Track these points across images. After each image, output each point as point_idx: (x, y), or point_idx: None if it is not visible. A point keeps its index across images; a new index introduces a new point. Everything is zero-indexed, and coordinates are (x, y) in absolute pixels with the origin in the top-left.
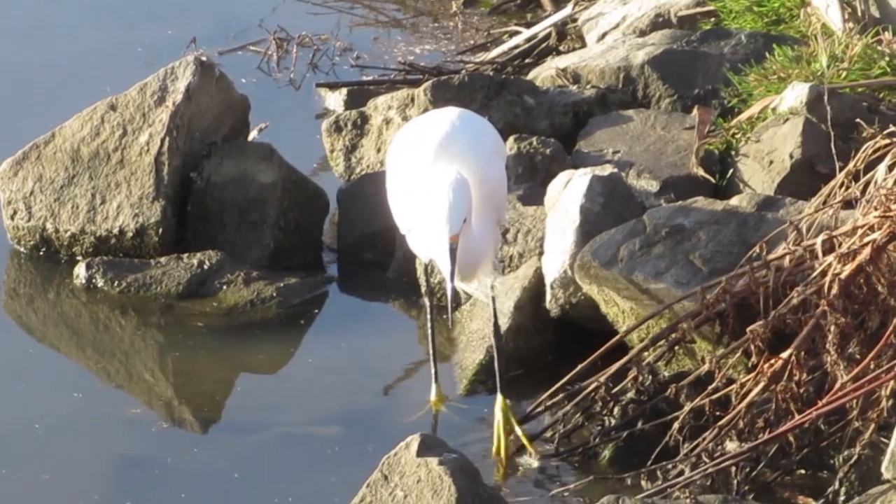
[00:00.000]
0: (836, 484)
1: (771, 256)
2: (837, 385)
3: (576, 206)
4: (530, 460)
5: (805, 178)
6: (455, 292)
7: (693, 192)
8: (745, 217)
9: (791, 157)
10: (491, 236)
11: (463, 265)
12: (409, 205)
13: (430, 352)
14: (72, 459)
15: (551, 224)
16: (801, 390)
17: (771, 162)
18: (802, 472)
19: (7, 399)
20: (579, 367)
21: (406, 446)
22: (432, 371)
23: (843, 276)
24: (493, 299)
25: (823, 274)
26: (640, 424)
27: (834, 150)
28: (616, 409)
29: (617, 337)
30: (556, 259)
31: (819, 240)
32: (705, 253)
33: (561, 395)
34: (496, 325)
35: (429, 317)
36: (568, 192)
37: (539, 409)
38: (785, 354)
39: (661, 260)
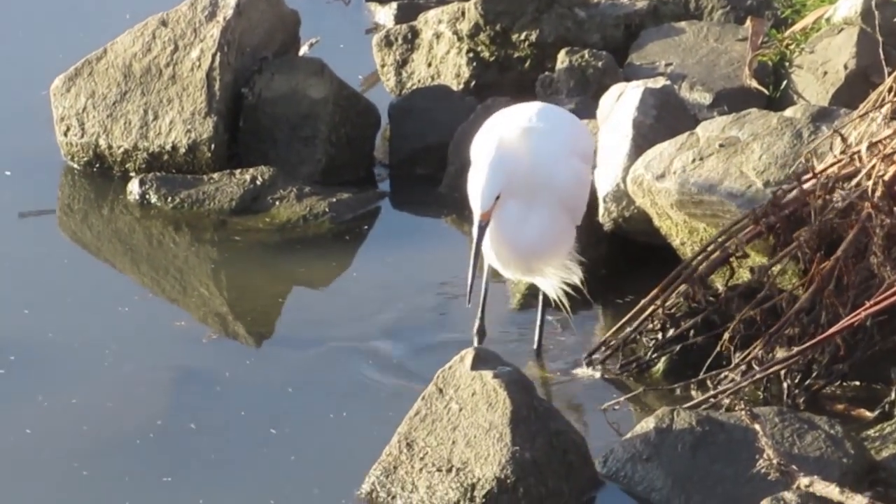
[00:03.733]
0: (893, 395)
1: (819, 167)
2: (885, 286)
3: (628, 120)
4: (585, 372)
5: (859, 88)
6: (474, 276)
7: (746, 104)
8: (799, 129)
9: (845, 67)
10: (562, 236)
11: (509, 260)
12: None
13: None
14: (130, 374)
15: (604, 137)
16: (851, 294)
17: (825, 73)
18: (857, 384)
19: (63, 315)
20: (641, 303)
21: (461, 360)
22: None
23: (886, 177)
24: (557, 295)
25: (868, 177)
26: (692, 337)
27: (883, 58)
28: (670, 325)
29: (680, 267)
30: (609, 172)
31: (864, 145)
32: (759, 165)
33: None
34: (545, 300)
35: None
36: (620, 105)
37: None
38: (833, 258)
39: (714, 172)
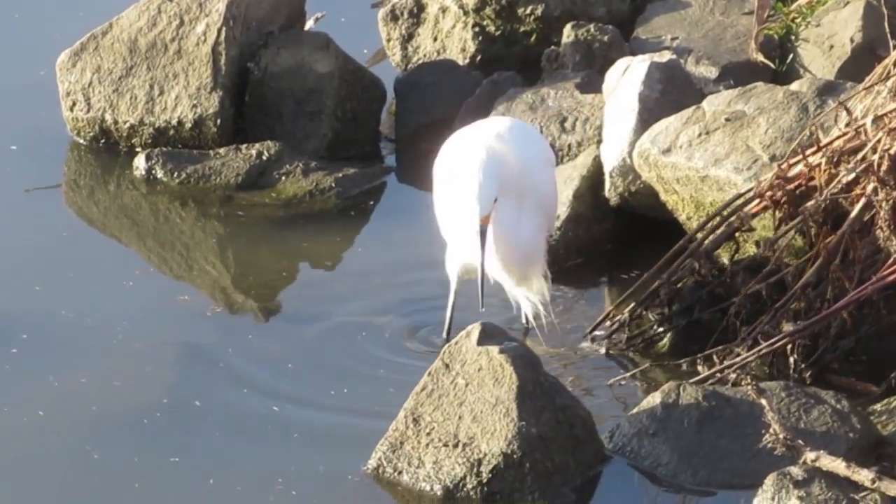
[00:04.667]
0: None
1: (824, 140)
2: (892, 260)
3: (634, 94)
4: (591, 347)
5: (866, 62)
6: (483, 277)
7: (752, 78)
8: (805, 102)
9: (852, 41)
10: (541, 243)
11: (511, 261)
12: (451, 217)
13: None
14: (137, 351)
15: (610, 112)
16: (857, 268)
17: (831, 46)
18: (864, 358)
19: (70, 291)
20: (646, 275)
21: (467, 335)
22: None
23: (892, 151)
24: (535, 310)
25: (873, 150)
26: (698, 311)
27: (889, 31)
28: (676, 300)
29: (684, 239)
30: (615, 147)
31: (869, 118)
32: (765, 139)
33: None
34: (527, 320)
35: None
36: (626, 79)
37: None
38: (839, 232)
39: (720, 147)
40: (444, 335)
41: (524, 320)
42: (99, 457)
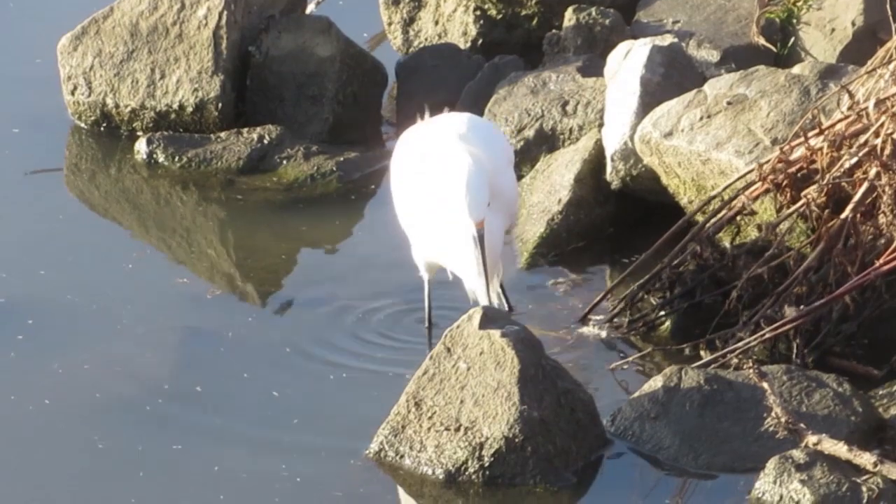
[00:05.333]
0: None
1: (825, 123)
2: (894, 245)
3: (636, 77)
4: (593, 331)
5: (868, 45)
6: (489, 280)
7: (754, 62)
8: (807, 86)
9: (853, 24)
10: (502, 241)
11: (492, 264)
12: (420, 216)
13: None
14: (139, 336)
15: (611, 95)
16: (859, 252)
17: (833, 30)
18: (865, 342)
19: (70, 274)
20: (644, 255)
21: (468, 319)
22: None
23: (895, 135)
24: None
25: (876, 135)
26: (699, 295)
27: (891, 14)
28: (677, 284)
29: (683, 219)
30: (617, 131)
31: (871, 101)
32: (767, 123)
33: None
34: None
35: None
36: (627, 62)
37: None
38: (841, 217)
39: (721, 130)
40: (426, 324)
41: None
42: (103, 445)
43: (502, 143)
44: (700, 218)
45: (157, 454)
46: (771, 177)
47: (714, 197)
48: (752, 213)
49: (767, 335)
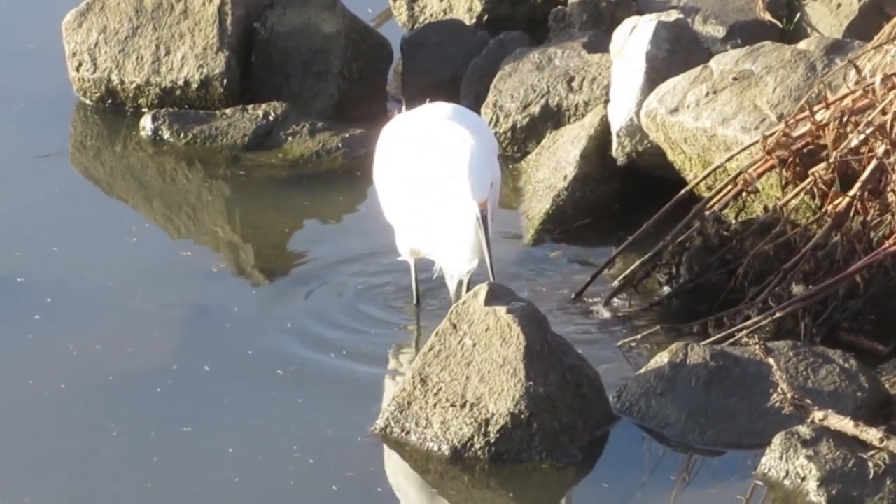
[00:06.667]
0: None
1: (831, 98)
2: None
3: (641, 53)
4: (599, 308)
5: (874, 20)
6: (490, 265)
7: (760, 37)
8: (813, 61)
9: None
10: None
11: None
12: (409, 201)
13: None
14: (142, 309)
15: (617, 71)
16: (866, 230)
17: (839, 5)
18: (871, 318)
19: (76, 250)
20: (646, 224)
21: (474, 295)
22: None
23: None
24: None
25: (884, 112)
26: (707, 275)
27: None
28: (683, 260)
29: (685, 189)
30: (623, 106)
31: (878, 77)
32: (773, 98)
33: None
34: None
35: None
36: (633, 38)
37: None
38: (849, 194)
39: (727, 106)
40: (414, 302)
41: (451, 294)
42: (115, 426)
43: (488, 132)
44: (705, 194)
45: (168, 435)
46: (776, 152)
47: (717, 168)
48: (756, 190)
49: (778, 315)
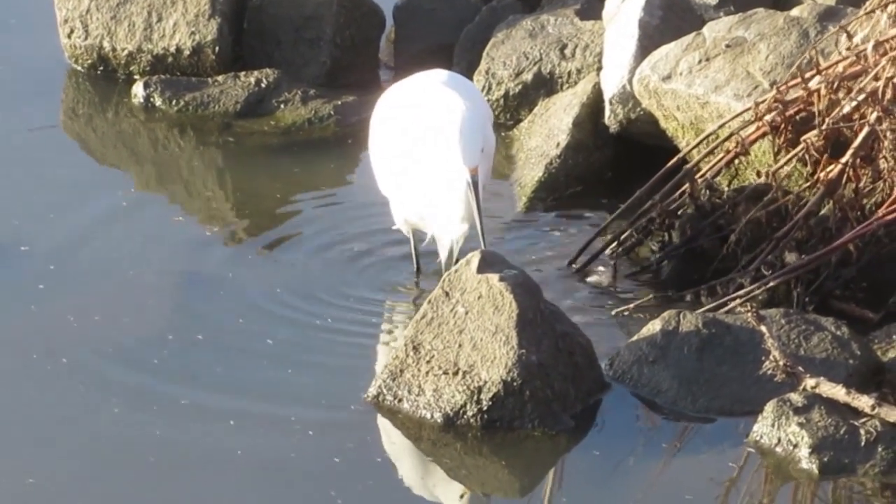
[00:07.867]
0: None
1: (823, 64)
2: None
3: (634, 20)
4: (592, 275)
5: None
6: (482, 231)
7: (753, 4)
8: (806, 28)
9: None
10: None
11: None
12: (402, 165)
13: None
14: (136, 276)
15: (610, 39)
16: (859, 197)
17: None
18: (864, 285)
19: (68, 216)
20: (638, 192)
21: (466, 263)
22: None
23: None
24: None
25: (876, 78)
26: (699, 240)
27: None
28: (675, 227)
29: (678, 156)
30: (615, 74)
31: (870, 43)
32: (766, 65)
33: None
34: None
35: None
36: (626, 5)
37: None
38: (841, 161)
39: (720, 73)
40: (415, 276)
41: (443, 263)
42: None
43: (482, 100)
44: (693, 153)
45: (171, 414)
46: (768, 117)
47: (709, 135)
48: (746, 153)
49: (772, 283)
